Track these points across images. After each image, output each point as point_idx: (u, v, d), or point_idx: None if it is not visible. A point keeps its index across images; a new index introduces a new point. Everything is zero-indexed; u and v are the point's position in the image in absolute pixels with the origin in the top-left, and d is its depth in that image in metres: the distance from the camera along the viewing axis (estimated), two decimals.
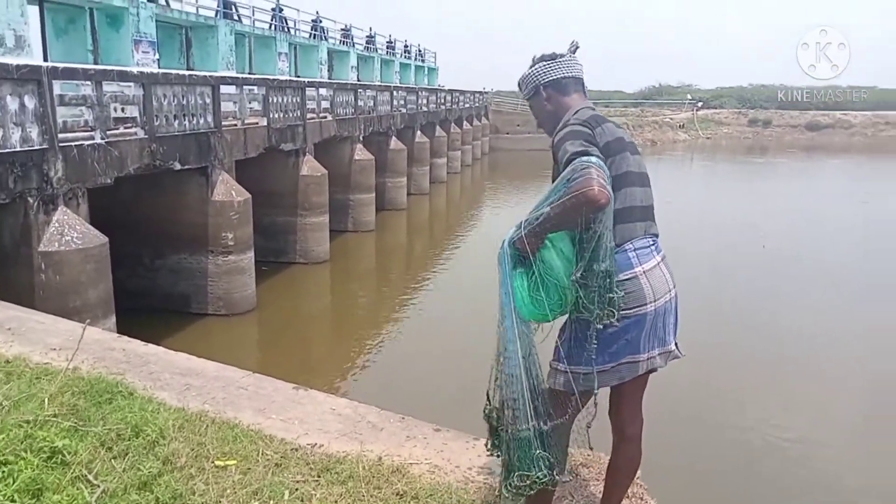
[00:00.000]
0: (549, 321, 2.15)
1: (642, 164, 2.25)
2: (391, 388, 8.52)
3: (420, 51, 40.85)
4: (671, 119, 58.11)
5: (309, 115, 15.28)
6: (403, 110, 24.43)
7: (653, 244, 2.19)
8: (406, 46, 37.91)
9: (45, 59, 13.55)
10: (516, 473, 2.09)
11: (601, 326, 2.06)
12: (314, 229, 14.82)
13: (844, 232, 19.20)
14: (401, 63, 35.83)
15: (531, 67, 2.37)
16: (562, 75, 2.33)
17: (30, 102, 7.53)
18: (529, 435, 2.07)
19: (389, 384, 8.73)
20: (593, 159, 2.00)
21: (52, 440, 2.51)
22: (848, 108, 59.69)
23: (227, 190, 11.12)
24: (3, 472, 2.24)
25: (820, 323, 11.36)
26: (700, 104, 62.13)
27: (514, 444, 2.10)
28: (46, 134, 7.69)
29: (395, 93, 23.57)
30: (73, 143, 8.19)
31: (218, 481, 2.47)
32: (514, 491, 2.11)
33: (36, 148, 7.59)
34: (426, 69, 40.69)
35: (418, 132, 26.08)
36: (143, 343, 3.99)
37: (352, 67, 28.16)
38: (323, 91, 16.91)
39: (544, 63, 2.35)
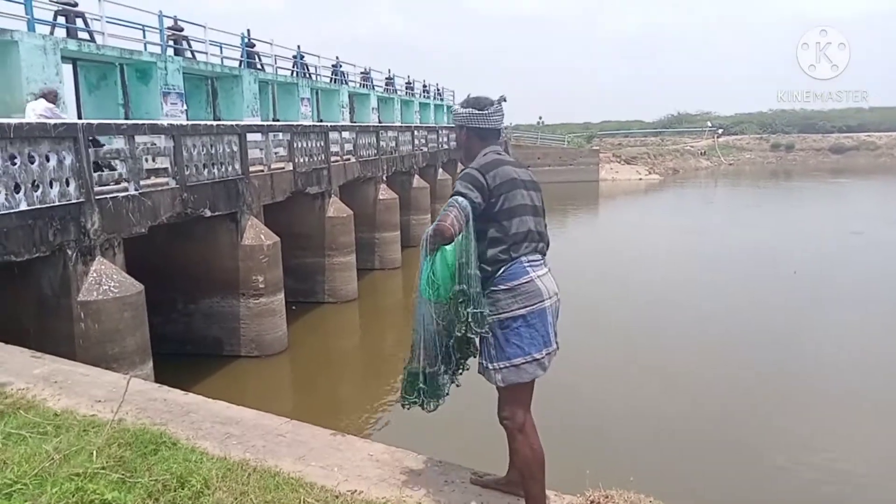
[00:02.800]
0: (431, 301, 2.70)
1: (537, 199, 2.78)
2: (424, 428, 8.45)
3: (438, 90, 41.46)
4: (692, 147, 57.93)
5: (333, 158, 15.57)
6: (425, 149, 24.74)
7: (541, 259, 2.73)
8: (425, 86, 38.52)
9: (79, 115, 14.06)
10: (401, 392, 2.82)
11: (517, 324, 2.59)
12: (342, 269, 15.00)
13: (873, 255, 18.88)
14: (420, 103, 36.37)
15: (463, 108, 2.83)
16: (483, 126, 2.81)
17: (67, 158, 7.80)
18: (418, 370, 2.74)
19: (423, 424, 8.68)
20: (463, 201, 2.57)
21: (102, 493, 2.59)
22: (871, 129, 59.02)
23: (256, 234, 11.35)
24: None
25: (851, 345, 11.16)
26: (721, 131, 61.89)
27: (406, 374, 2.79)
28: (83, 188, 7.94)
29: (415, 132, 23.92)
30: (108, 196, 8.45)
31: None
32: (402, 403, 2.84)
33: (73, 202, 7.83)
34: (445, 107, 41.22)
35: (440, 170, 26.36)
36: (184, 392, 4.07)
37: (373, 109, 28.65)
38: (346, 134, 17.23)
39: (472, 111, 2.79)
